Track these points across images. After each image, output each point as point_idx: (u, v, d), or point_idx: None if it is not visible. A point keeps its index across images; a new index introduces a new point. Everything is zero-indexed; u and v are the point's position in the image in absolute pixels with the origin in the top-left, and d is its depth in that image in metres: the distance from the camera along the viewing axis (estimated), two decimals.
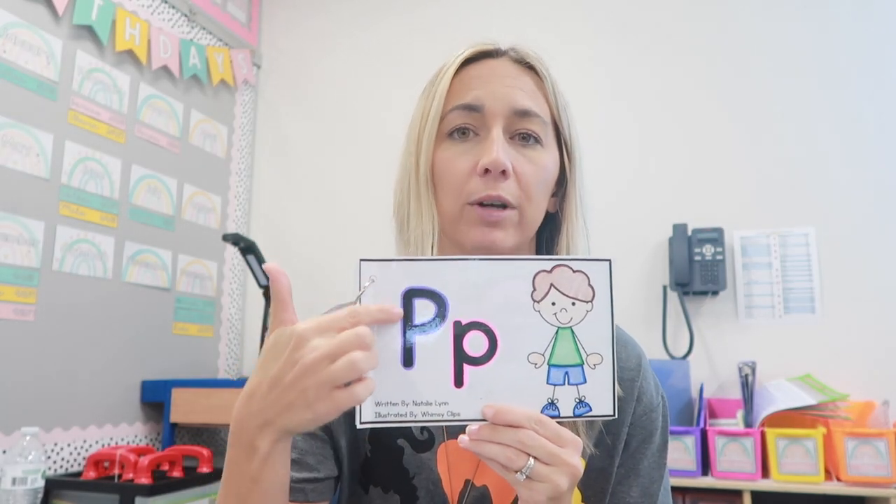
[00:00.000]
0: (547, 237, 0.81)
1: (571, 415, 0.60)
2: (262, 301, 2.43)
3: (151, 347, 2.24)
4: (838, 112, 2.16)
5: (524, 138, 0.74)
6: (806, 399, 1.79)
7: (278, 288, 0.58)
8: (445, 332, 0.59)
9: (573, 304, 0.61)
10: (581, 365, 0.61)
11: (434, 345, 0.59)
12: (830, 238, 2.11)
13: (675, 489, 1.81)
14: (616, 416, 0.61)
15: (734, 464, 1.75)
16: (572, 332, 0.61)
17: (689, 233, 2.17)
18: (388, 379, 0.59)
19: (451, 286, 0.60)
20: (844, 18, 2.20)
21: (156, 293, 2.27)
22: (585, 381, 0.61)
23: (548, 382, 0.60)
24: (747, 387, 1.87)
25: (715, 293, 2.17)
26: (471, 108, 0.73)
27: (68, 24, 2.01)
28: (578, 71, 2.33)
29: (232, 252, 2.63)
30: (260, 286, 2.38)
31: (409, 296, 0.59)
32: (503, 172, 0.71)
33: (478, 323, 0.60)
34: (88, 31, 2.07)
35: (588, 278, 0.61)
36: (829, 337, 2.05)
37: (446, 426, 0.75)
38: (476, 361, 0.60)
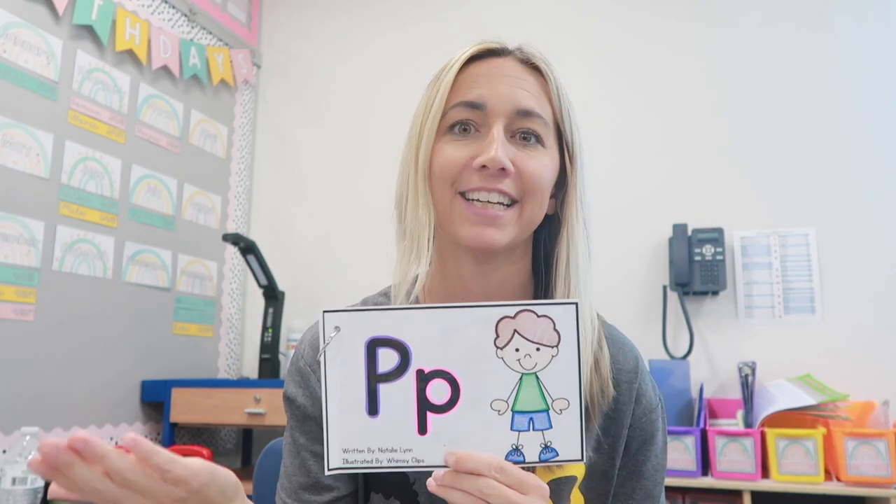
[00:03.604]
0: (546, 239, 0.80)
1: (537, 460, 0.60)
2: (262, 301, 2.43)
3: (151, 347, 2.24)
4: (838, 112, 2.16)
5: (525, 137, 0.74)
6: (806, 399, 1.79)
7: None
8: (408, 380, 0.60)
9: (538, 349, 0.60)
10: (546, 410, 0.60)
11: (397, 393, 0.60)
12: (830, 238, 2.11)
13: (675, 489, 1.81)
14: (584, 460, 0.61)
15: (734, 464, 1.75)
16: (537, 377, 0.60)
17: (689, 233, 2.17)
18: (354, 426, 0.61)
19: (413, 335, 0.60)
20: (843, 22, 2.20)
21: (156, 293, 2.27)
22: (551, 427, 0.60)
23: (512, 429, 0.60)
24: (747, 387, 1.87)
25: (715, 293, 2.17)
26: (473, 106, 0.73)
27: (68, 23, 2.01)
28: (579, 72, 2.33)
29: (232, 252, 2.62)
30: (260, 286, 2.38)
31: (373, 345, 0.60)
32: (503, 170, 0.71)
33: (440, 371, 0.60)
34: (88, 31, 2.07)
35: (553, 322, 0.60)
36: (829, 337, 2.05)
37: None
38: (439, 409, 0.60)
